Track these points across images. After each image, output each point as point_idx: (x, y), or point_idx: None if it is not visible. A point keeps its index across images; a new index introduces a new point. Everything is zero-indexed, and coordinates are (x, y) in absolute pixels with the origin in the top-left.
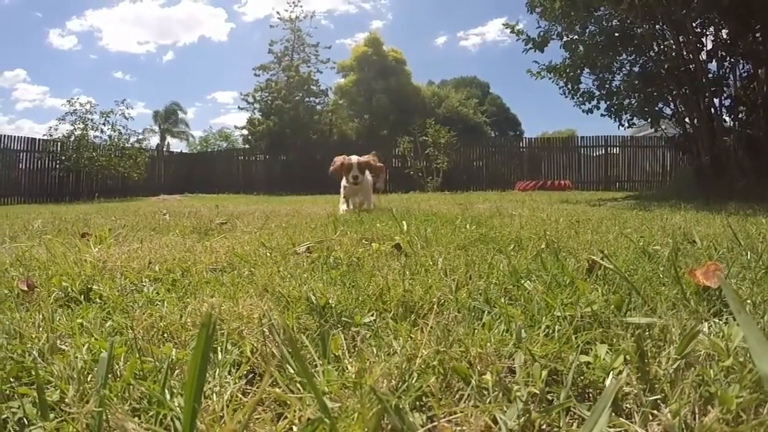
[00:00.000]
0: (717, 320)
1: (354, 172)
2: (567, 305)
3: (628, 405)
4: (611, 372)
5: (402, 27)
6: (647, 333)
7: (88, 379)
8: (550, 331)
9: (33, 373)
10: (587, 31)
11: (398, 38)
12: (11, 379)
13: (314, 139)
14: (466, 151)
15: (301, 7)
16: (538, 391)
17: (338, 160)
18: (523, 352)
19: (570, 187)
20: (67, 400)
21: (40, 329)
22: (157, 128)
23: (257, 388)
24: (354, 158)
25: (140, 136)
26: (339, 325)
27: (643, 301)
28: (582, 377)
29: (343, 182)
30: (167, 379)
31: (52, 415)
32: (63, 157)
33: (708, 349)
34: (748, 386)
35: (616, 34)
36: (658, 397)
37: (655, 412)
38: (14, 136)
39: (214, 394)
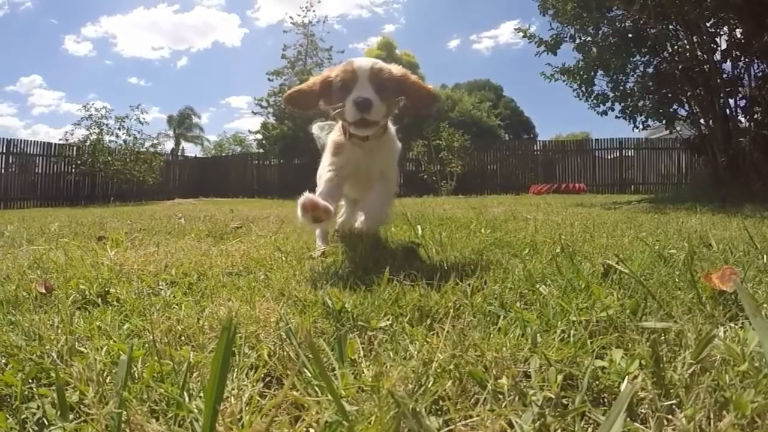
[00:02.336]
0: (733, 325)
1: (362, 95)
2: (582, 310)
3: (643, 410)
4: (626, 377)
5: (415, 30)
6: (663, 338)
7: (107, 381)
8: (566, 336)
9: (52, 374)
10: (600, 32)
11: (411, 42)
12: (30, 381)
13: None
14: (480, 155)
15: (314, 11)
16: (553, 396)
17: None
18: (538, 356)
19: (585, 190)
20: (86, 401)
21: (59, 331)
22: (171, 133)
23: (274, 391)
24: (364, 61)
25: (155, 141)
26: (355, 329)
27: (658, 305)
28: (597, 382)
29: (327, 150)
30: (186, 381)
31: (71, 416)
32: (78, 162)
33: (724, 353)
34: (764, 391)
35: (630, 35)
36: (673, 402)
37: (670, 417)
38: (30, 141)
39: (232, 397)
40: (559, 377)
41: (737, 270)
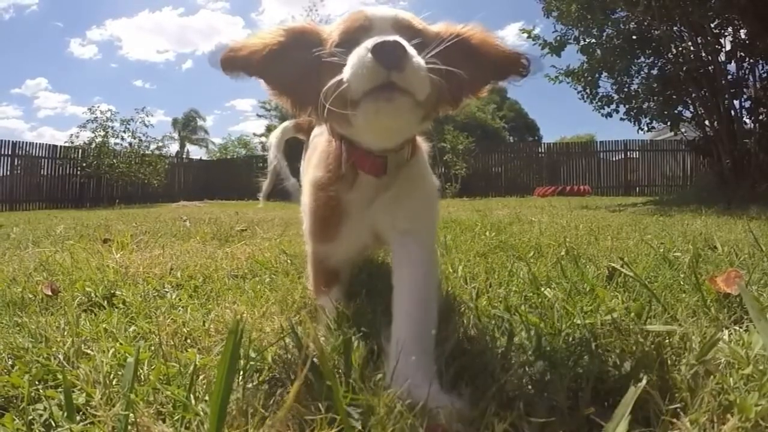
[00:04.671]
0: (737, 328)
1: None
2: (587, 313)
3: (647, 413)
4: (631, 380)
5: None
6: (667, 341)
7: (114, 382)
8: (571, 339)
9: (58, 376)
10: (604, 34)
11: None
12: (37, 382)
13: None
14: (484, 157)
15: (317, 12)
16: (558, 400)
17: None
18: (543, 360)
19: (590, 192)
20: (93, 403)
21: (65, 333)
22: (176, 135)
23: (279, 394)
24: (379, 10)
25: (160, 143)
26: (360, 334)
27: (663, 308)
28: (602, 384)
29: (305, 201)
30: (193, 383)
31: (78, 418)
32: (84, 164)
33: (728, 357)
34: None
35: (634, 37)
36: (678, 405)
37: (675, 420)
38: (36, 143)
39: (238, 400)
40: (564, 381)
41: (742, 273)
